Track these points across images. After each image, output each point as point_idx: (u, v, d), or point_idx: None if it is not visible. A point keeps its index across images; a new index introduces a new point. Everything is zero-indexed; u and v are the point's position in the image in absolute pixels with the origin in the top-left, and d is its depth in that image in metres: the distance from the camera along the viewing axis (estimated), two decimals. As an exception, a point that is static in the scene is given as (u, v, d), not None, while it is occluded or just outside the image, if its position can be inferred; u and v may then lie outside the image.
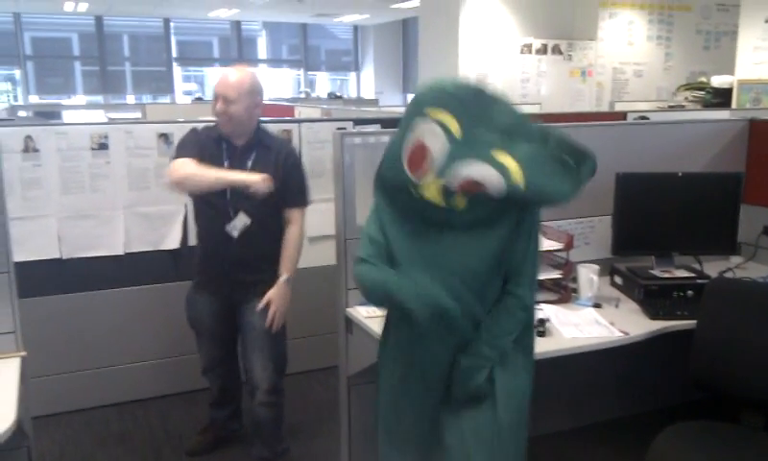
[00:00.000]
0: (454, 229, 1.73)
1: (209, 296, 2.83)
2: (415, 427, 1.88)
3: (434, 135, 1.65)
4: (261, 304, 2.68)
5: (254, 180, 2.59)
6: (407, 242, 1.78)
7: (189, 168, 2.60)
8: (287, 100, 9.15)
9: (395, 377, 1.90)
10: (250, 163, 2.69)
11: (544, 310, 2.61)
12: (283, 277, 2.70)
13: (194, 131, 2.80)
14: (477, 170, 1.62)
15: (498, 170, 1.60)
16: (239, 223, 2.68)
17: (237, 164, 2.69)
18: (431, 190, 1.68)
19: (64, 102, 12.53)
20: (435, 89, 1.68)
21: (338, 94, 12.36)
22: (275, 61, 15.64)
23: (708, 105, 7.39)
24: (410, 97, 1.81)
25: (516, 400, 1.85)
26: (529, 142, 1.65)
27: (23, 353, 2.27)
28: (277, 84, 14.94)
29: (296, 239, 2.73)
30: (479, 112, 1.65)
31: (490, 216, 1.70)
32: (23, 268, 2.70)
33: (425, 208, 1.72)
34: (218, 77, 2.71)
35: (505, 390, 1.81)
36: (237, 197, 2.66)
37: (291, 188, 2.73)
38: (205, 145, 2.72)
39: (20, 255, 2.92)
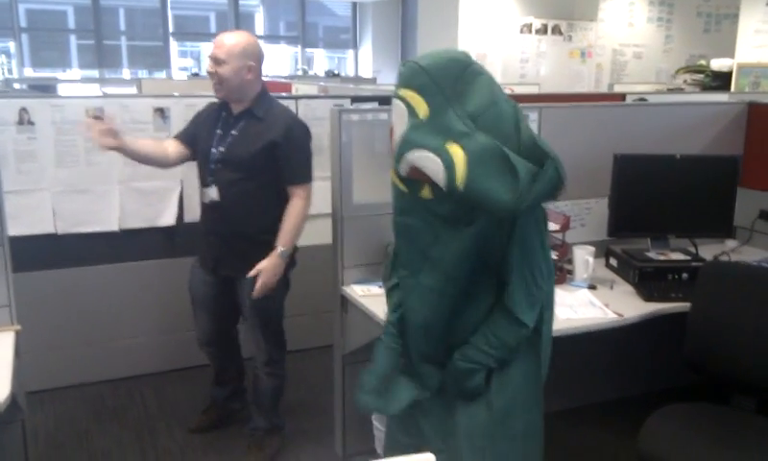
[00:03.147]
0: (437, 221, 1.63)
1: (204, 268, 2.84)
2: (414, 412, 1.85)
3: (399, 116, 1.57)
4: (251, 273, 2.63)
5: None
6: (403, 235, 1.74)
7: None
8: (284, 77, 9.08)
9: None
10: (234, 132, 2.68)
11: (540, 291, 2.61)
12: (278, 249, 2.65)
13: (208, 105, 2.86)
14: (423, 159, 1.51)
15: (444, 163, 1.48)
16: (211, 193, 2.69)
17: (225, 132, 2.70)
18: (392, 174, 1.63)
19: (59, 75, 12.42)
20: (412, 65, 1.56)
21: (336, 72, 12.27)
22: (272, 38, 15.50)
23: (706, 88, 7.37)
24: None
25: (509, 390, 1.75)
26: (491, 132, 1.50)
27: (18, 327, 2.27)
28: (275, 60, 14.82)
29: (296, 214, 2.66)
30: (453, 93, 1.52)
31: (464, 211, 1.56)
32: (18, 242, 2.69)
33: (408, 197, 1.65)
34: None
35: (498, 382, 1.74)
36: (217, 165, 2.68)
37: (288, 165, 2.69)
38: (208, 116, 2.79)
39: (15, 230, 2.91)
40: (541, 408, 1.83)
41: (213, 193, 2.69)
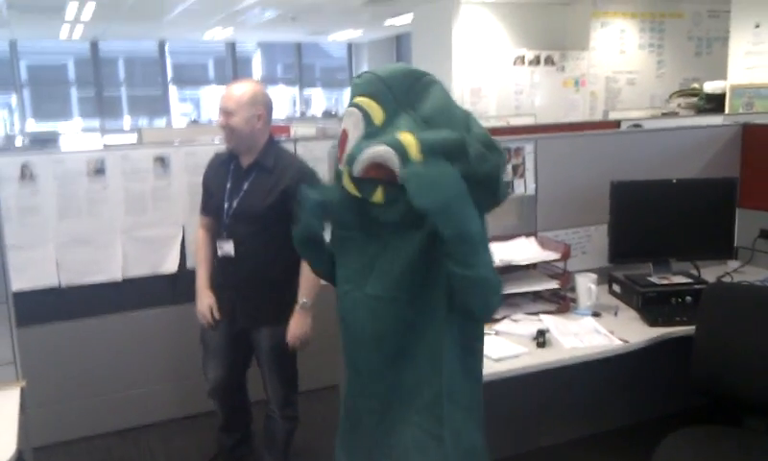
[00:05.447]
0: (385, 230, 1.62)
1: (221, 317, 2.82)
2: (365, 436, 1.79)
3: (354, 122, 1.59)
4: (290, 343, 2.70)
5: (199, 307, 2.82)
6: (345, 249, 1.73)
7: (198, 245, 2.89)
8: (283, 120, 9.18)
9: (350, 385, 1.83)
10: (246, 185, 2.69)
11: (544, 321, 2.61)
12: (300, 301, 2.68)
13: (209, 163, 2.88)
14: (377, 152, 1.51)
15: (397, 150, 1.49)
16: (227, 247, 2.70)
17: (236, 185, 2.71)
18: (345, 179, 1.61)
19: (61, 126, 12.57)
20: (367, 75, 1.61)
21: (333, 112, 12.40)
22: (270, 80, 15.71)
23: (701, 110, 7.42)
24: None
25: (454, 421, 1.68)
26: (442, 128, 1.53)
27: (23, 384, 2.27)
28: (273, 102, 14.99)
29: None
30: (407, 100, 1.57)
31: (414, 212, 1.52)
32: (21, 297, 2.71)
33: (352, 210, 1.65)
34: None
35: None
36: (232, 220, 2.69)
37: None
38: (216, 170, 2.81)
39: (19, 284, 2.92)
40: (483, 426, 1.76)
41: (228, 247, 2.70)
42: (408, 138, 1.50)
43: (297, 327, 2.69)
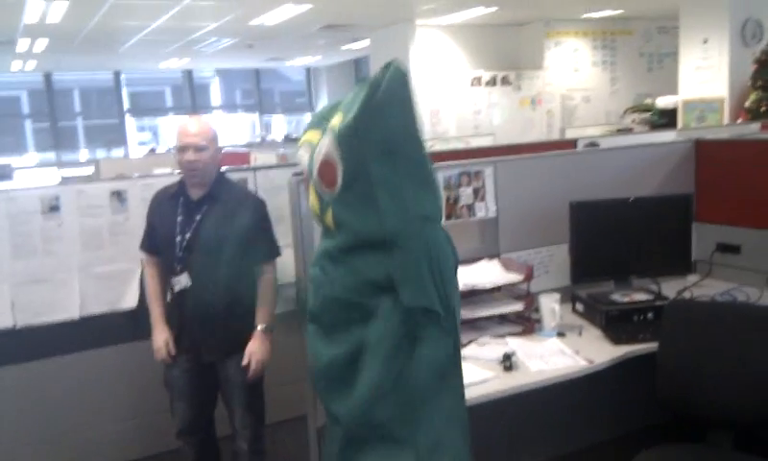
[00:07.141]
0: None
1: (182, 355, 2.78)
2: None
3: (306, 150, 1.81)
4: (244, 363, 2.67)
5: (154, 343, 2.76)
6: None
7: (147, 282, 2.87)
8: (243, 145, 9.12)
9: None
10: (198, 217, 2.67)
11: (509, 344, 2.62)
12: (259, 327, 2.68)
13: (153, 198, 2.85)
14: (319, 147, 1.70)
15: (328, 133, 1.69)
16: (183, 280, 2.67)
17: (188, 218, 2.69)
18: (312, 200, 1.77)
19: (15, 161, 12.29)
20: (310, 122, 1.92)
21: (294, 136, 12.37)
22: (229, 107, 15.64)
23: (655, 126, 7.60)
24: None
25: (433, 426, 1.74)
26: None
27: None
28: (233, 129, 14.90)
29: (270, 289, 2.71)
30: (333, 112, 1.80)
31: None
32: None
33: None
34: (178, 128, 2.70)
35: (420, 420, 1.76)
36: (186, 253, 2.66)
37: (256, 243, 2.70)
38: (161, 207, 2.78)
39: (-29, 328, 2.83)
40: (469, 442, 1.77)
41: (184, 280, 2.67)
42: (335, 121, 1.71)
43: (256, 351, 2.68)
